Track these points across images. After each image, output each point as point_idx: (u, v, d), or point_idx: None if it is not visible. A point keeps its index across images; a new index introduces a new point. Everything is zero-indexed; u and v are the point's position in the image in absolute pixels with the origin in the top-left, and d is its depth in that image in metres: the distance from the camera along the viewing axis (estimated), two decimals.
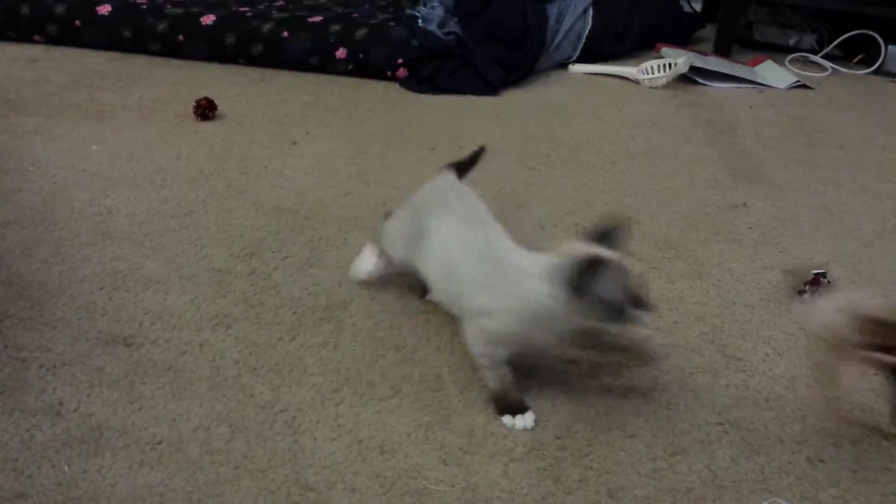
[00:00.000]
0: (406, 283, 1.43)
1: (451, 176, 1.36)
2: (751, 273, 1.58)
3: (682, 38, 3.04)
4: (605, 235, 1.12)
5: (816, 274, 1.50)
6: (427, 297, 1.39)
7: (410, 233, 1.30)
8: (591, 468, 1.11)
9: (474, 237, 1.22)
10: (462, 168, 1.40)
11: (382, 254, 1.42)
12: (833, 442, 1.17)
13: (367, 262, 1.46)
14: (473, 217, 1.26)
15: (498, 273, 1.16)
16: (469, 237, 1.22)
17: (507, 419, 1.18)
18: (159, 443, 1.11)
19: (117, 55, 2.56)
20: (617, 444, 1.15)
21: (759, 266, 1.60)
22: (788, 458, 1.14)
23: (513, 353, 1.19)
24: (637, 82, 2.63)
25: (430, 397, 1.22)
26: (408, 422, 1.17)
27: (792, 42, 3.07)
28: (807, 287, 1.48)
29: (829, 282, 1.50)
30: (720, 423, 1.20)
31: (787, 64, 2.90)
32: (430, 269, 1.26)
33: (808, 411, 1.23)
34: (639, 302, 1.08)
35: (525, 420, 1.17)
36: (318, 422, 1.16)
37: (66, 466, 1.07)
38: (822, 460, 1.14)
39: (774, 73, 2.78)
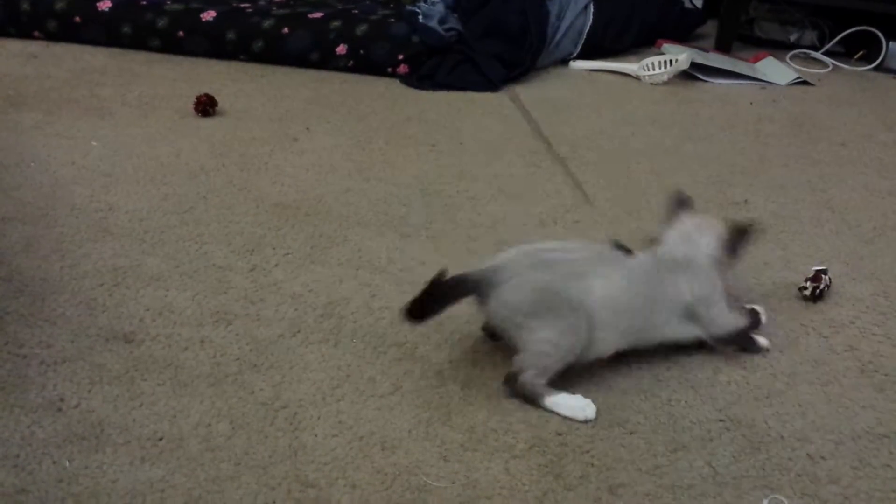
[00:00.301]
0: (407, 285, 1.43)
1: (509, 251, 1.27)
2: (751, 270, 1.57)
3: (683, 34, 3.04)
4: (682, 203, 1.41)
5: (818, 270, 1.49)
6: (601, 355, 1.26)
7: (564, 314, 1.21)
8: (592, 465, 1.11)
9: (640, 262, 1.32)
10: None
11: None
12: (834, 438, 1.17)
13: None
14: (599, 254, 1.30)
15: (694, 269, 1.31)
16: (638, 264, 1.31)
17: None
18: (160, 439, 1.11)
19: (117, 51, 2.55)
20: (618, 440, 1.15)
21: (760, 263, 1.60)
22: (789, 455, 1.14)
23: None
24: (638, 79, 2.63)
25: (430, 394, 1.22)
26: (408, 418, 1.17)
27: (793, 38, 3.07)
28: (807, 283, 1.48)
29: (829, 278, 1.50)
30: (721, 420, 1.20)
31: (788, 60, 2.89)
32: (617, 317, 1.23)
33: (809, 407, 1.23)
34: None
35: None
36: (318, 418, 1.16)
37: (67, 462, 1.07)
38: (822, 457, 1.14)
39: (775, 70, 2.77)
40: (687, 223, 1.37)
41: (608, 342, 1.23)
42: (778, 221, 1.77)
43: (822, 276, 1.49)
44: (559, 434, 1.16)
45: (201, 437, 1.12)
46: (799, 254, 1.64)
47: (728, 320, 1.32)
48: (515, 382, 1.21)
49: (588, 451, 1.13)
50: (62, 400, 1.17)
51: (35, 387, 1.19)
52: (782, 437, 1.17)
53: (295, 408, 1.18)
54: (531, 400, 1.20)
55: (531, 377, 1.20)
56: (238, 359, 1.27)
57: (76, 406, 1.16)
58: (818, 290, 1.47)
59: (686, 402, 1.23)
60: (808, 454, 1.15)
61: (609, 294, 1.23)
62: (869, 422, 1.21)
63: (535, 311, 1.20)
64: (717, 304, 1.31)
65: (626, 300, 1.24)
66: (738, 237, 1.34)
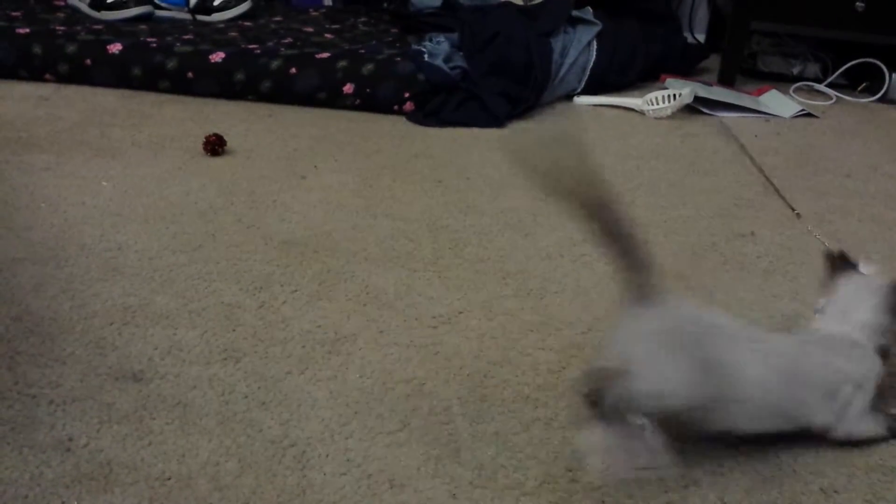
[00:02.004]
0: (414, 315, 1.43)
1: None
2: (760, 302, 1.57)
3: (687, 68, 3.06)
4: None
5: None
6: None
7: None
8: (603, 501, 1.10)
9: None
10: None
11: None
12: (846, 472, 1.16)
13: None
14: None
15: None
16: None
17: None
18: (168, 479, 1.11)
19: (128, 93, 2.59)
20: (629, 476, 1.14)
21: (769, 295, 1.60)
22: (802, 489, 1.13)
23: None
24: (642, 113, 2.65)
25: (439, 430, 1.22)
26: (417, 455, 1.17)
27: (796, 71, 3.09)
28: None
29: None
30: (732, 455, 1.19)
31: (792, 93, 2.91)
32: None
33: (822, 441, 1.22)
34: None
35: None
36: (327, 456, 1.16)
37: (76, 503, 1.07)
38: (835, 491, 1.13)
39: (779, 102, 2.79)
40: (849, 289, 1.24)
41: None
42: (785, 253, 1.77)
43: None
44: (569, 471, 1.15)
45: (209, 476, 1.12)
46: (807, 286, 1.64)
47: (864, 424, 1.19)
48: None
49: (599, 488, 1.12)
50: (71, 440, 1.17)
51: (44, 427, 1.19)
52: (794, 472, 1.16)
53: (303, 446, 1.18)
54: None
55: None
56: (246, 396, 1.27)
57: (85, 446, 1.16)
58: None
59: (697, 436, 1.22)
60: (821, 488, 1.14)
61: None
62: (882, 455, 1.20)
63: None
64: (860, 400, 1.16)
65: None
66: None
